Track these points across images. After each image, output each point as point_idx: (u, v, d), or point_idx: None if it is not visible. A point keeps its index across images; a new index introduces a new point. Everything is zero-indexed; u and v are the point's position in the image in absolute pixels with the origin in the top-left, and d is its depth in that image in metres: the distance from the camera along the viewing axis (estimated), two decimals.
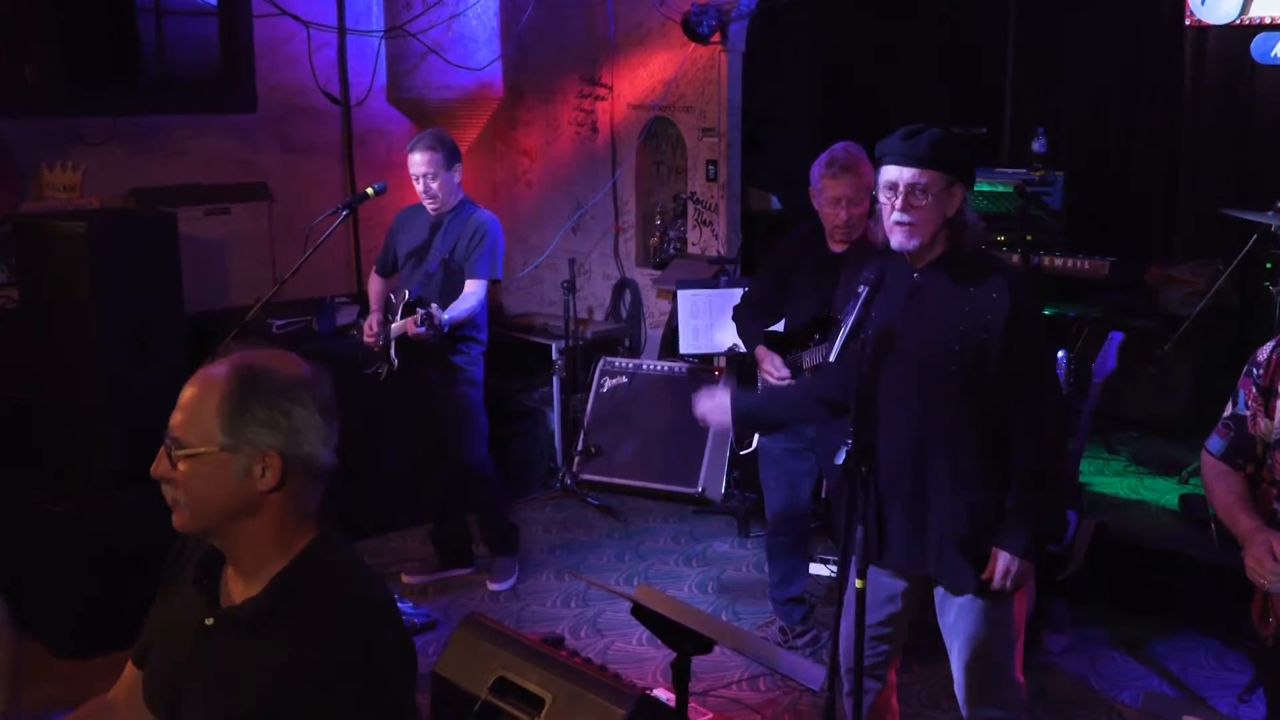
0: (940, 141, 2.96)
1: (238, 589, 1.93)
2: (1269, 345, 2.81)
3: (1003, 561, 2.98)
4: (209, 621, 1.90)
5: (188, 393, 1.89)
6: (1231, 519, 2.79)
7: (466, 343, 4.91)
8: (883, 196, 3.02)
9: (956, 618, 3.15)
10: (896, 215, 2.97)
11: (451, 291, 4.86)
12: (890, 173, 2.99)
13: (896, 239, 3.00)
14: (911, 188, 2.95)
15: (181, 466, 1.86)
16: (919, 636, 3.52)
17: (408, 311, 4.77)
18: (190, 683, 1.91)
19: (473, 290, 4.83)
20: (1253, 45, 5.69)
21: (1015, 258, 5.91)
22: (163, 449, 1.88)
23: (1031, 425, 2.99)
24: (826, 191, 4.18)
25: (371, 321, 4.98)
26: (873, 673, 3.30)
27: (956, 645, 3.19)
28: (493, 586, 5.21)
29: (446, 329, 4.66)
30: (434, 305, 4.63)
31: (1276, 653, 2.78)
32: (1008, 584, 2.99)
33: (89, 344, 4.75)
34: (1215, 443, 2.90)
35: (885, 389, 3.07)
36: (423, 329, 4.58)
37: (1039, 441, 3.00)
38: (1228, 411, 2.88)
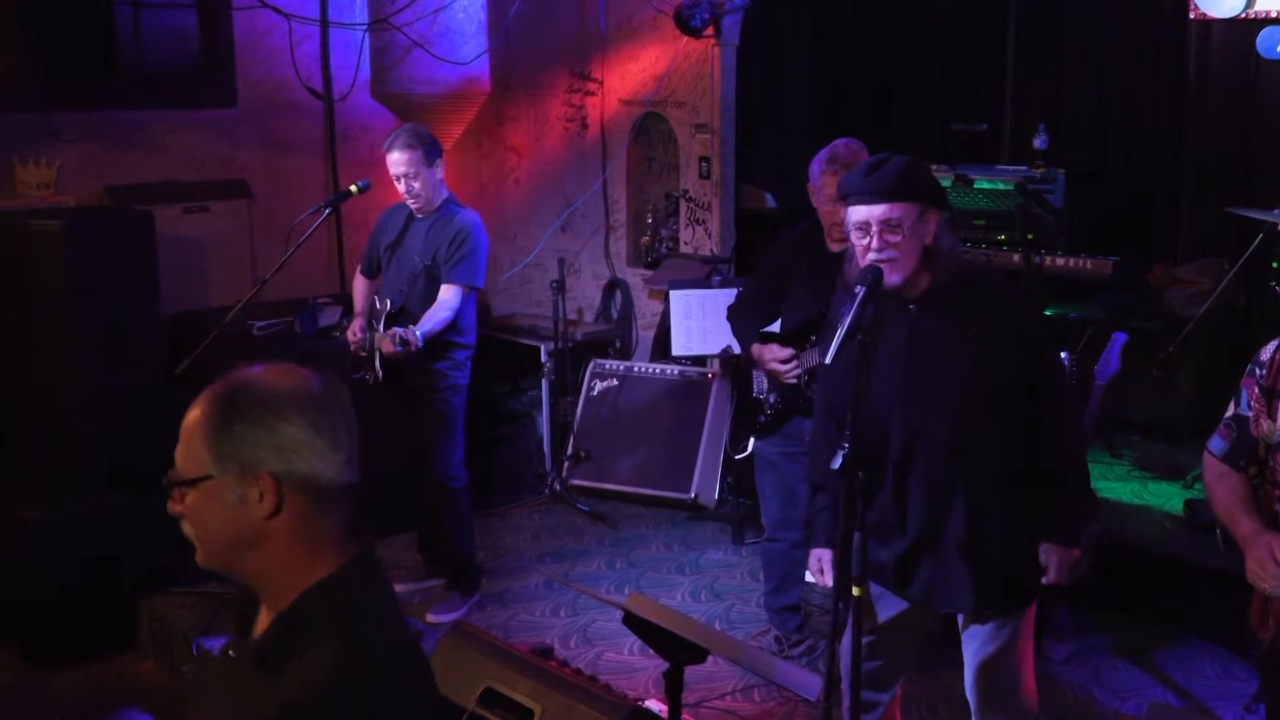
0: (905, 171, 2.96)
1: (262, 622, 1.89)
2: (1272, 345, 2.82)
3: (1060, 555, 3.07)
4: (231, 652, 1.87)
5: (185, 420, 1.82)
6: (1232, 521, 2.80)
7: (450, 348, 4.89)
8: (854, 237, 3.01)
9: (970, 627, 3.21)
10: (873, 255, 2.96)
11: (435, 298, 4.84)
12: (859, 212, 2.97)
13: None
14: (885, 223, 2.94)
15: (187, 499, 1.80)
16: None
17: (389, 323, 4.75)
18: (197, 706, 1.91)
19: (447, 297, 4.78)
20: (1258, 40, 5.70)
21: (1016, 258, 5.93)
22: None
23: (1057, 430, 3.08)
24: (827, 189, 4.19)
25: (355, 326, 4.96)
26: (877, 684, 3.31)
27: (970, 653, 3.24)
28: (431, 617, 5.00)
29: (421, 345, 4.63)
30: (410, 328, 4.60)
31: (1273, 656, 2.80)
32: (1064, 576, 3.08)
33: (63, 346, 4.74)
34: (1217, 444, 2.91)
35: (895, 431, 3.08)
36: (399, 349, 4.55)
37: (1067, 444, 3.11)
38: (1230, 412, 2.90)
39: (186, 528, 1.83)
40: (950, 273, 3.03)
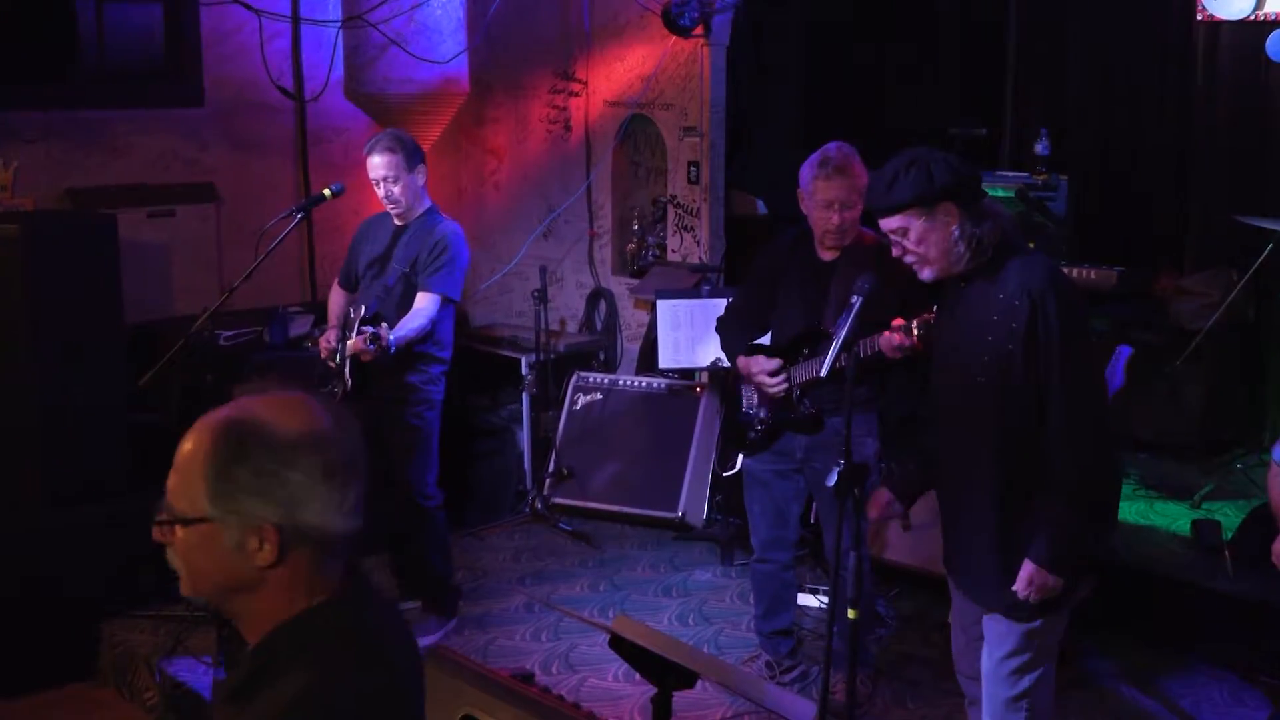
0: (892, 181, 3.07)
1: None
2: None
3: (1025, 570, 3.07)
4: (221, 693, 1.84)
5: (182, 448, 1.75)
6: None
7: (425, 361, 4.89)
8: None
9: (982, 630, 3.27)
10: (903, 257, 3.15)
11: (411, 307, 4.84)
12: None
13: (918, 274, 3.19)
14: (893, 232, 3.11)
15: (177, 534, 1.75)
16: (919, 670, 3.53)
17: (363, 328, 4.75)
18: None
19: (423, 305, 4.79)
20: (1268, 42, 5.75)
21: None
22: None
23: (1060, 437, 3.05)
24: (818, 194, 4.20)
25: (329, 337, 4.96)
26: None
27: (982, 659, 3.30)
28: None
29: (394, 348, 4.64)
30: (383, 325, 4.61)
31: None
32: (1031, 595, 3.06)
33: (20, 355, 4.73)
34: None
35: (938, 401, 3.29)
36: (371, 348, 4.56)
37: (1073, 453, 3.06)
38: None
39: (174, 558, 1.78)
40: (988, 253, 3.08)
